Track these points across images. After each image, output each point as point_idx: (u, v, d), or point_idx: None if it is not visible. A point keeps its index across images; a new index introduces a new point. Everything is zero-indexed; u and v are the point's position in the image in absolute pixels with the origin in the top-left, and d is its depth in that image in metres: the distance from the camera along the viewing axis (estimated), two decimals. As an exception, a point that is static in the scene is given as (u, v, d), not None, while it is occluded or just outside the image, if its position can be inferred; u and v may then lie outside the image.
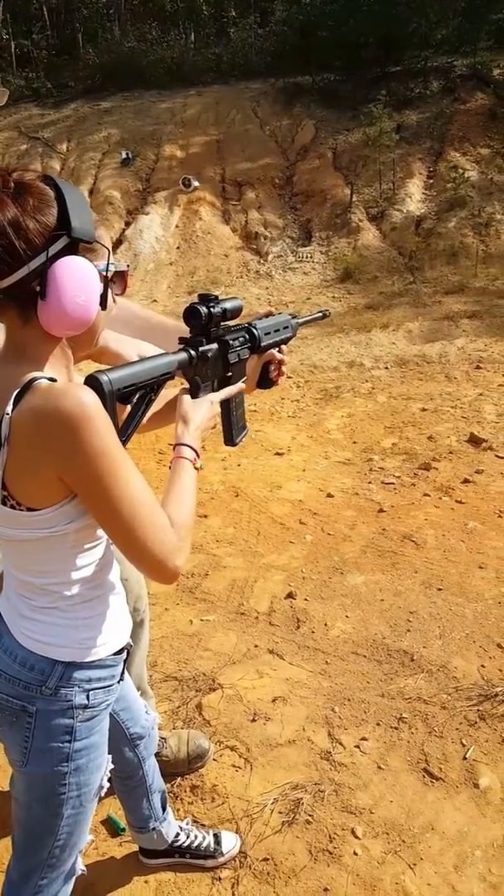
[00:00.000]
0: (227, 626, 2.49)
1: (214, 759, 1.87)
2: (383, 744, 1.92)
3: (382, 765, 1.85)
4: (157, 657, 2.29)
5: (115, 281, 0.99)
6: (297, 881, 1.55)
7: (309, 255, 9.35)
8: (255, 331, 1.27)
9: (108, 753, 1.11)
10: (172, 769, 1.79)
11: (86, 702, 1.01)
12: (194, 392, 1.13)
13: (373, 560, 2.92)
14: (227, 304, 1.16)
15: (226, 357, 1.19)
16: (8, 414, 0.87)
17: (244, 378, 1.27)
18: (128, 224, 10.30)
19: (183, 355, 1.09)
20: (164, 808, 1.50)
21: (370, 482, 3.69)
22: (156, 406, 1.12)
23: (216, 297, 1.15)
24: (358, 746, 1.91)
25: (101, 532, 0.98)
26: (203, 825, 1.68)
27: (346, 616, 2.53)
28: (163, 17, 16.40)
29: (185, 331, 1.17)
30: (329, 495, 3.54)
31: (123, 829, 1.66)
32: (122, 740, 1.31)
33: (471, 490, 3.53)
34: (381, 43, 11.40)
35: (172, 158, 11.28)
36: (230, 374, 1.21)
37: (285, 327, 1.37)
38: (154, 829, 1.48)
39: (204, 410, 1.11)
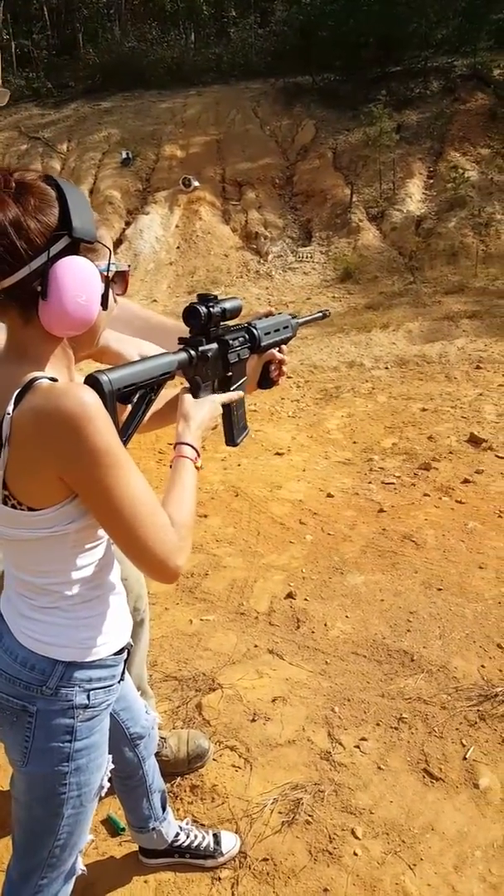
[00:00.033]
0: (226, 626, 2.49)
1: (214, 759, 1.87)
2: (383, 744, 1.92)
3: (382, 765, 1.85)
4: (156, 657, 2.29)
5: (116, 281, 0.99)
6: (296, 881, 1.55)
7: (309, 255, 9.35)
8: (254, 331, 1.27)
9: (109, 753, 1.11)
10: (172, 769, 1.79)
11: (86, 702, 1.01)
12: (195, 392, 1.13)
13: (373, 560, 2.92)
14: (227, 304, 1.17)
15: (226, 357, 1.19)
16: (9, 414, 0.87)
17: (244, 378, 1.28)
18: (128, 224, 10.29)
19: (183, 355, 1.09)
20: (163, 808, 1.50)
21: (370, 482, 3.69)
22: (156, 406, 1.12)
23: (215, 297, 1.15)
24: (358, 746, 1.91)
25: (101, 532, 0.99)
26: (203, 825, 1.68)
27: (346, 616, 2.53)
28: (163, 17, 16.39)
29: (185, 331, 1.17)
30: (329, 495, 3.54)
31: (123, 829, 1.66)
32: (122, 740, 1.31)
33: (471, 490, 3.53)
34: (381, 43, 11.40)
35: (172, 158, 11.28)
36: (230, 373, 1.21)
37: (285, 327, 1.37)
38: (154, 828, 1.48)
39: (206, 410, 1.11)
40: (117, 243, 9.77)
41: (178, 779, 1.81)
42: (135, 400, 1.00)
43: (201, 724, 1.99)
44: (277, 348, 1.35)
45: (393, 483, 3.65)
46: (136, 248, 9.77)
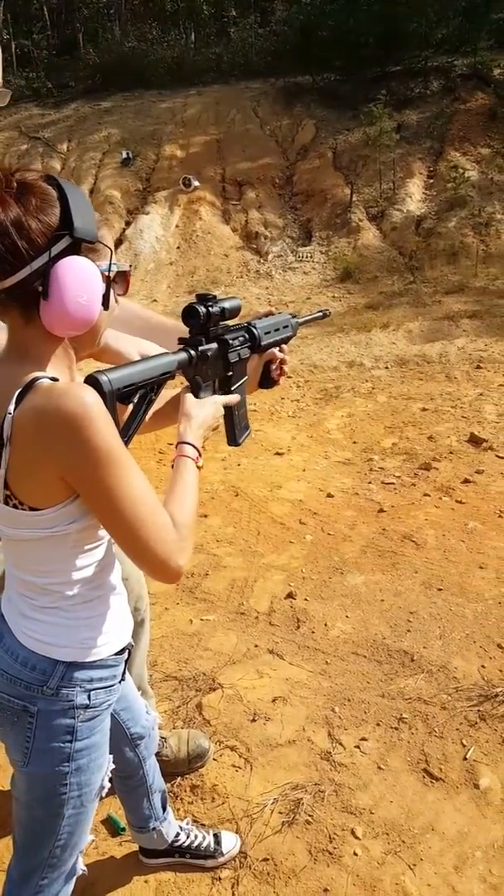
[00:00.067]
0: (227, 626, 2.49)
1: (214, 759, 1.87)
2: (383, 744, 1.92)
3: (382, 765, 1.85)
4: (157, 657, 2.29)
5: (117, 281, 0.99)
6: (297, 881, 1.55)
7: (309, 255, 9.35)
8: (254, 330, 1.27)
9: (109, 753, 1.11)
10: (172, 769, 1.79)
11: (87, 702, 1.01)
12: (195, 391, 1.13)
13: (373, 560, 2.92)
14: (226, 304, 1.17)
15: (226, 356, 1.19)
16: (10, 413, 0.87)
17: (245, 378, 1.27)
18: (128, 224, 10.29)
19: (183, 355, 1.09)
20: (164, 808, 1.50)
21: (370, 482, 3.69)
22: (156, 405, 1.12)
23: (214, 297, 1.15)
24: (358, 747, 1.91)
25: (102, 533, 0.99)
26: (203, 825, 1.68)
27: (346, 616, 2.53)
28: (163, 16, 16.39)
29: (185, 331, 1.17)
30: (329, 495, 3.54)
31: (123, 829, 1.66)
32: (122, 740, 1.31)
33: (471, 490, 3.53)
34: (381, 43, 11.38)
35: (173, 158, 11.28)
36: (231, 373, 1.21)
37: (285, 326, 1.37)
38: (154, 828, 1.49)
39: (208, 410, 1.11)
40: (117, 243, 9.77)
41: (179, 779, 1.81)
42: (135, 400, 1.00)
43: (201, 723, 1.99)
44: (278, 348, 1.35)
45: (393, 483, 3.65)
46: (137, 248, 9.77)
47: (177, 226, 10.18)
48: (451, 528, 3.16)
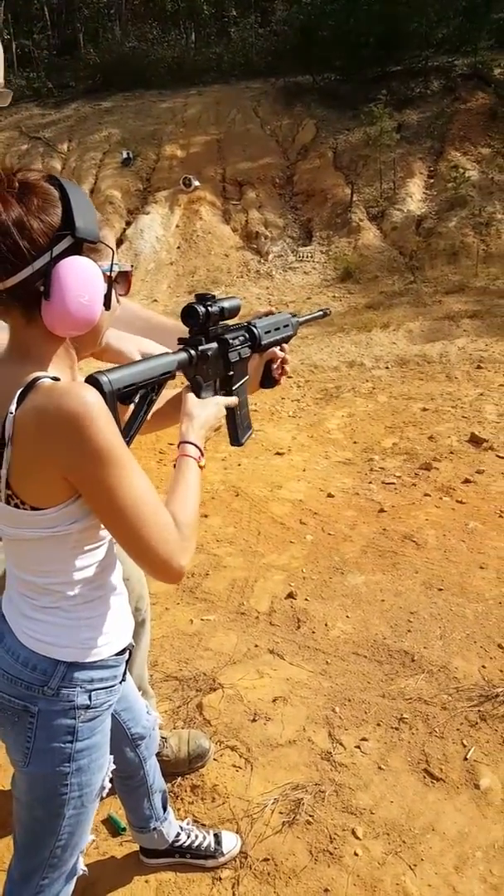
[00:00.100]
0: (227, 626, 2.49)
1: (215, 759, 1.87)
2: (384, 744, 1.92)
3: (383, 765, 1.85)
4: (157, 657, 2.29)
5: (118, 281, 0.99)
6: (297, 882, 1.55)
7: (309, 255, 9.35)
8: (255, 329, 1.27)
9: (110, 753, 1.11)
10: (173, 769, 1.79)
11: (88, 702, 1.01)
12: (196, 391, 1.13)
13: (373, 560, 2.92)
14: (225, 303, 1.17)
15: (226, 356, 1.19)
16: (11, 413, 0.87)
17: (247, 377, 1.27)
18: (128, 224, 10.30)
19: (183, 355, 1.09)
20: (164, 808, 1.50)
21: (371, 482, 3.69)
22: (156, 405, 1.12)
23: (213, 297, 1.15)
24: (358, 747, 1.91)
25: (103, 533, 0.98)
26: (203, 825, 1.68)
27: (347, 616, 2.53)
28: (163, 16, 16.40)
29: (185, 331, 1.17)
30: (329, 495, 3.54)
31: (124, 829, 1.66)
32: (123, 740, 1.31)
33: (471, 490, 3.52)
34: (381, 42, 11.38)
35: (173, 158, 11.28)
36: (232, 372, 1.21)
37: (286, 325, 1.37)
38: (155, 828, 1.49)
39: (210, 410, 1.11)
40: (118, 243, 9.77)
41: (179, 779, 1.81)
42: (136, 400, 1.00)
43: (202, 724, 1.99)
44: (279, 347, 1.35)
45: (393, 483, 3.65)
46: (137, 248, 9.78)
47: (177, 226, 10.19)
48: (452, 528, 3.16)
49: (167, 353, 1.08)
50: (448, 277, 8.18)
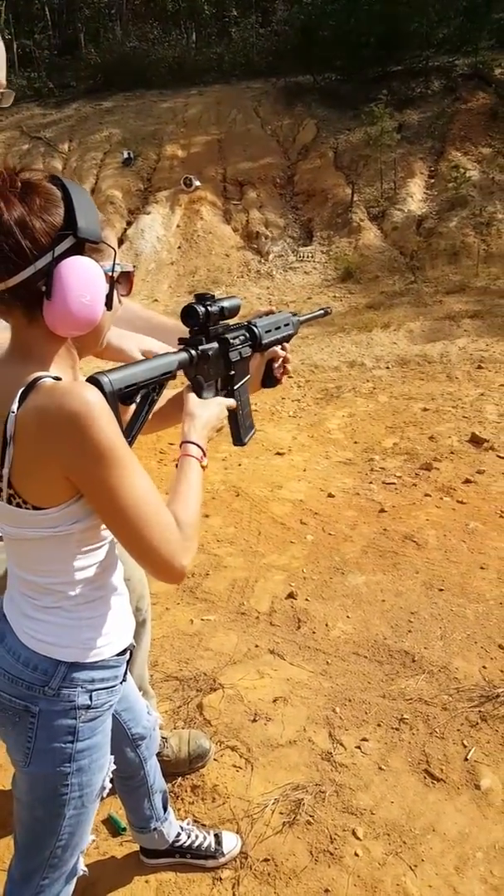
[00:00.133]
0: (227, 626, 2.49)
1: (215, 760, 1.87)
2: (384, 745, 1.92)
3: (383, 766, 1.85)
4: (157, 657, 2.29)
5: (120, 282, 0.99)
6: (297, 882, 1.55)
7: (310, 255, 9.35)
8: (255, 329, 1.27)
9: (111, 754, 1.11)
10: (173, 769, 1.79)
11: (88, 702, 1.01)
12: (197, 391, 1.13)
13: (374, 560, 2.92)
14: (225, 303, 1.17)
15: (227, 355, 1.19)
16: (13, 412, 0.87)
17: (248, 377, 1.27)
18: (129, 224, 10.30)
19: (183, 355, 1.09)
20: (165, 808, 1.50)
21: (371, 482, 3.69)
22: (157, 405, 1.12)
23: (213, 296, 1.15)
24: (359, 747, 1.91)
25: (105, 533, 0.98)
26: (204, 825, 1.68)
27: (347, 616, 2.53)
28: (164, 16, 16.41)
29: (186, 331, 1.17)
30: (330, 495, 3.54)
31: (124, 829, 1.66)
32: (123, 740, 1.31)
33: (472, 490, 3.52)
34: (382, 42, 11.38)
35: (174, 158, 11.28)
36: (233, 372, 1.21)
37: (286, 324, 1.37)
38: (155, 829, 1.48)
39: (213, 410, 1.11)
40: (119, 243, 9.75)
41: (180, 779, 1.81)
42: (138, 400, 1.00)
43: (202, 724, 1.99)
44: (280, 346, 1.35)
45: (394, 483, 3.65)
46: (138, 248, 9.78)
47: (178, 226, 10.19)
48: (453, 528, 3.16)
49: (168, 353, 1.08)
50: (449, 277, 8.18)
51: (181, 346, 1.12)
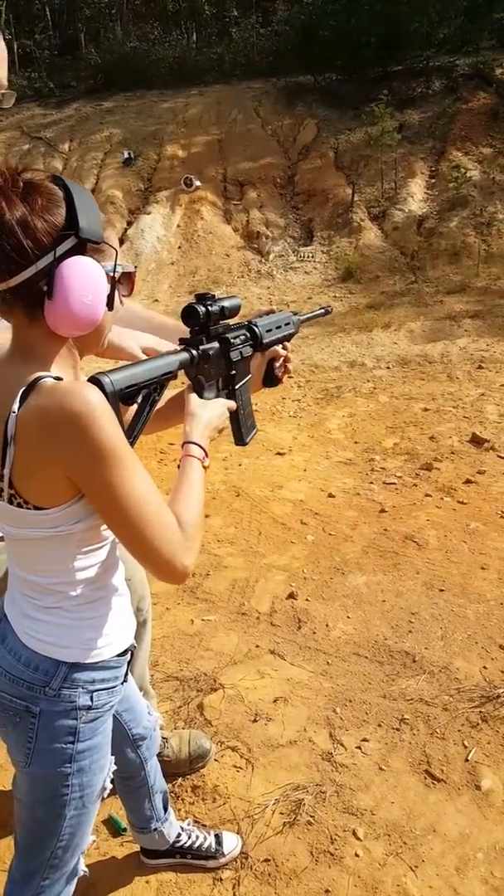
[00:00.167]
0: (228, 627, 2.49)
1: (216, 760, 1.87)
2: (385, 745, 1.92)
3: (384, 766, 1.85)
4: (158, 657, 2.29)
5: (122, 282, 0.99)
6: (298, 882, 1.55)
7: (310, 255, 9.35)
8: (256, 328, 1.27)
9: (111, 754, 1.11)
10: (174, 769, 1.79)
11: (89, 703, 1.01)
12: (198, 391, 1.13)
13: (374, 560, 2.92)
14: (225, 303, 1.16)
15: (228, 355, 1.19)
16: (14, 412, 0.87)
17: (249, 376, 1.27)
18: (129, 224, 10.30)
19: (184, 355, 1.09)
20: (165, 809, 1.49)
21: (371, 482, 3.69)
22: (158, 405, 1.11)
23: (213, 296, 1.15)
24: (359, 747, 1.91)
25: (106, 533, 0.98)
26: (204, 826, 1.68)
27: (348, 617, 2.53)
28: (165, 16, 16.42)
29: (186, 331, 1.17)
30: (330, 495, 3.54)
31: (125, 829, 1.66)
32: (124, 741, 1.31)
33: (473, 490, 3.52)
34: (382, 42, 11.39)
35: (174, 158, 11.28)
36: (234, 371, 1.21)
37: (287, 324, 1.37)
38: (155, 829, 1.48)
39: (215, 411, 1.11)
40: (119, 243, 9.77)
41: (180, 779, 1.81)
42: (139, 400, 0.99)
43: (203, 724, 1.99)
44: (281, 345, 1.35)
45: (394, 483, 3.65)
46: (138, 248, 9.78)
47: (178, 226, 10.19)
48: (453, 528, 3.16)
49: (169, 353, 1.08)
50: (449, 277, 8.18)
51: (182, 346, 1.12)
